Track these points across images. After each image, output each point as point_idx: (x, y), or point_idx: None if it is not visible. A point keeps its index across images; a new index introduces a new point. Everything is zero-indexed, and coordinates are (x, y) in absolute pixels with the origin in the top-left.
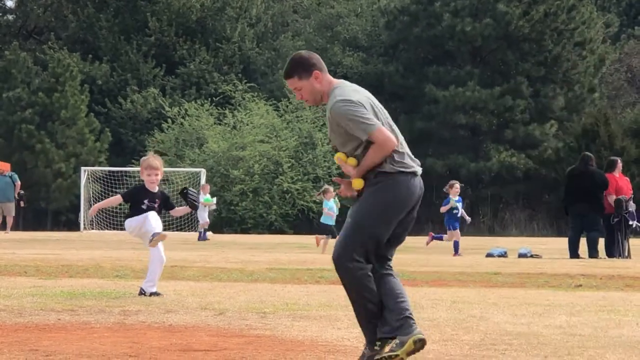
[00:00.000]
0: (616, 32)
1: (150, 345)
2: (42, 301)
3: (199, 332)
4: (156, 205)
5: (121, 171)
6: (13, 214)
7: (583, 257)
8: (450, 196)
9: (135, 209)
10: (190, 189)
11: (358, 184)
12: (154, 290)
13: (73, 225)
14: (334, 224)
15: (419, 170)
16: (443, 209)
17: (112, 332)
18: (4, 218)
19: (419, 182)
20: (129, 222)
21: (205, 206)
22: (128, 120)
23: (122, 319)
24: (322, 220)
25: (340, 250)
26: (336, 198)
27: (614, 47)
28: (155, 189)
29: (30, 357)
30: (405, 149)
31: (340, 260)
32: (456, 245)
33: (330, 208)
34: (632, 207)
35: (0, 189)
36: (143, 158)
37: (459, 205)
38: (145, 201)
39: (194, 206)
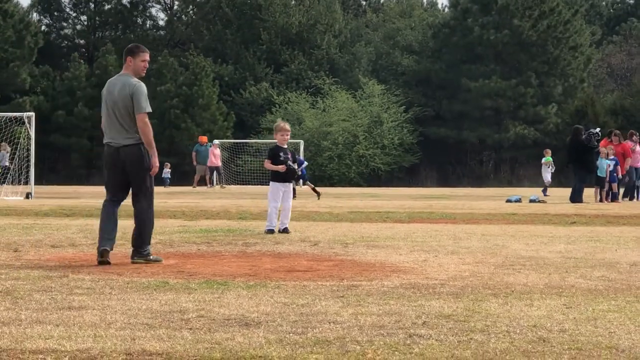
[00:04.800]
0: (599, 39)
1: (265, 268)
2: (186, 236)
3: (300, 258)
4: (289, 157)
5: (242, 142)
6: (209, 174)
7: (587, 202)
8: None
9: (276, 162)
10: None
11: None
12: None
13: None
14: None
15: (109, 141)
16: None
17: (236, 258)
18: (202, 176)
19: (108, 150)
20: (274, 184)
21: (548, 166)
22: (247, 106)
23: (244, 249)
24: None
25: None
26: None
27: (597, 49)
28: (285, 146)
29: (178, 276)
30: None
31: None
32: None
33: None
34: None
35: (202, 156)
36: (276, 124)
37: None
38: (281, 154)
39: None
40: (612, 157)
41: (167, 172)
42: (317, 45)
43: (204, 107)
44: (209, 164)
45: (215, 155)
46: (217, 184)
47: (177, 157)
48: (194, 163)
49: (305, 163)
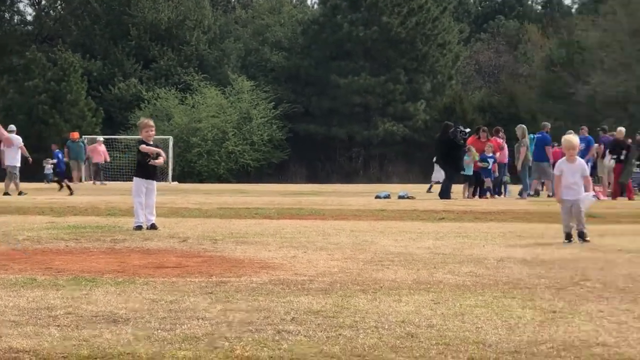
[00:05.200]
0: (467, 36)
1: (133, 264)
2: (55, 233)
3: (169, 254)
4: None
5: (111, 138)
6: (82, 170)
7: (455, 198)
8: None
9: (142, 159)
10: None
11: None
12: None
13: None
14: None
15: None
16: None
17: (105, 254)
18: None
19: None
20: (137, 180)
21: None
22: (116, 102)
23: (112, 245)
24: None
25: None
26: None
27: (465, 47)
28: (151, 142)
29: (46, 273)
30: None
31: None
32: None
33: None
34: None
35: (74, 152)
36: (140, 121)
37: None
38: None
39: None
40: (490, 154)
41: (49, 169)
42: (186, 42)
43: (72, 102)
44: (97, 159)
45: (101, 152)
46: (97, 180)
47: (46, 153)
48: (66, 159)
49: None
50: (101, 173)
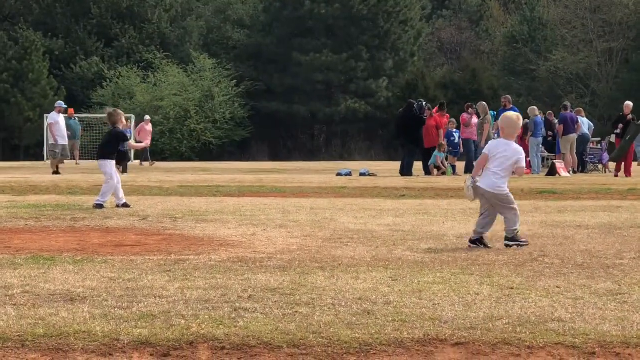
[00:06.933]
0: (429, 13)
1: (93, 243)
2: (14, 211)
3: (128, 232)
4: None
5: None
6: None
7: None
8: None
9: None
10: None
11: None
12: (123, 202)
13: (39, 157)
14: None
15: None
16: None
17: (65, 233)
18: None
19: None
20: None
21: None
22: (78, 81)
23: (72, 224)
24: None
25: None
26: None
27: (428, 24)
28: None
29: (4, 252)
30: None
31: None
32: None
33: None
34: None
35: (73, 129)
36: (113, 112)
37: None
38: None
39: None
40: (455, 129)
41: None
42: (148, 20)
43: (34, 81)
44: (145, 139)
45: (149, 132)
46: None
47: (7, 132)
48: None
49: None
50: (148, 152)
